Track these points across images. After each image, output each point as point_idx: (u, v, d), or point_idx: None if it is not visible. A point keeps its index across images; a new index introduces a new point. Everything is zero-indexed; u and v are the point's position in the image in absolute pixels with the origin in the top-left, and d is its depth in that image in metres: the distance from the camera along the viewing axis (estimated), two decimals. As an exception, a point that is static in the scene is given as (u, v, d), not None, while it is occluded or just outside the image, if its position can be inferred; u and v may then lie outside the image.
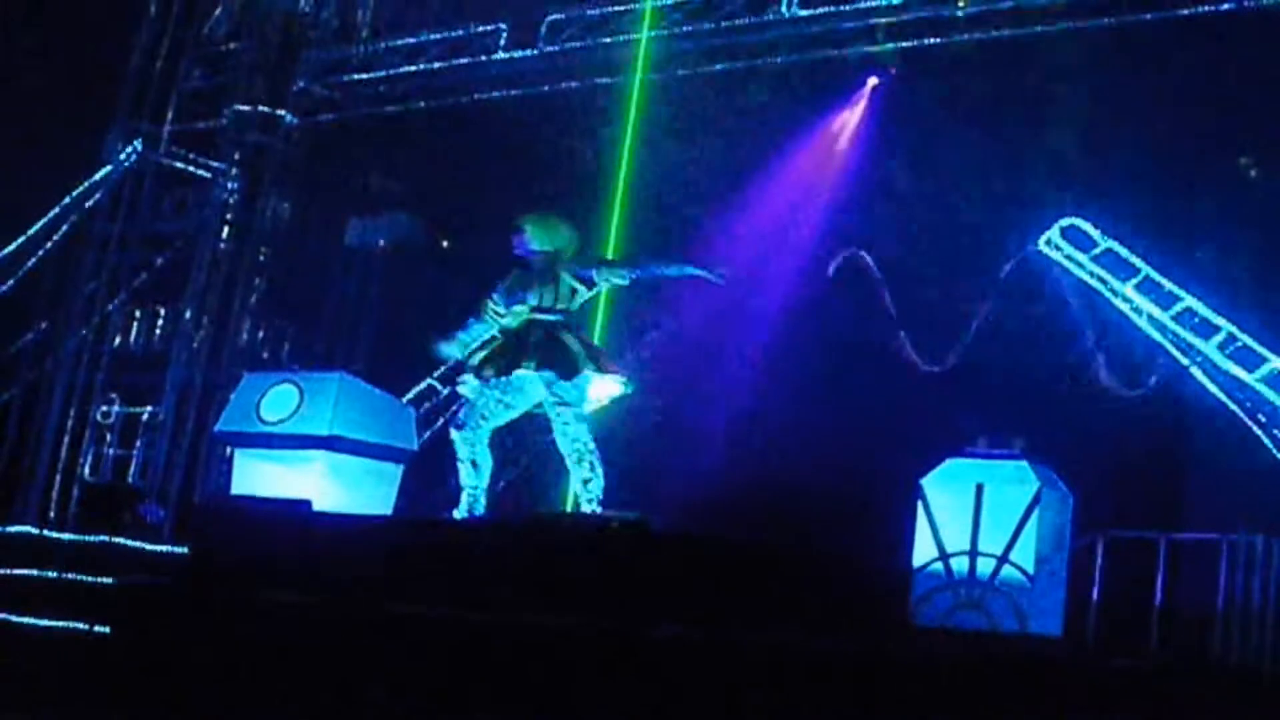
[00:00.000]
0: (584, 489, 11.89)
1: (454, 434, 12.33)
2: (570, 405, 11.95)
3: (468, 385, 12.34)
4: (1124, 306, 16.14)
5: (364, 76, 21.22)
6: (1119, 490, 14.26)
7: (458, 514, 12.19)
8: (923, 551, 11.74)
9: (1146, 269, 16.22)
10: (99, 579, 15.76)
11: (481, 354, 12.38)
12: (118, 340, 21.45)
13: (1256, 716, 8.91)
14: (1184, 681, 9.43)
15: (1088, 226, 16.64)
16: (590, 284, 12.36)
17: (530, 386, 12.10)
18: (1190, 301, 15.83)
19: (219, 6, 22.32)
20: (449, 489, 18.92)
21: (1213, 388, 15.53)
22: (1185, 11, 15.87)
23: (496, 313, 12.41)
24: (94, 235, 21.68)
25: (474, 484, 12.24)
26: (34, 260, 21.62)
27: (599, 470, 11.88)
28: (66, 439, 20.86)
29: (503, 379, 12.10)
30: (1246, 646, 12.47)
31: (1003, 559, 11.44)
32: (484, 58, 20.01)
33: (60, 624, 15.68)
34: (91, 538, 17.33)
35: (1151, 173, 16.36)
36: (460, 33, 20.25)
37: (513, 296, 12.31)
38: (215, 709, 11.01)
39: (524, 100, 20.07)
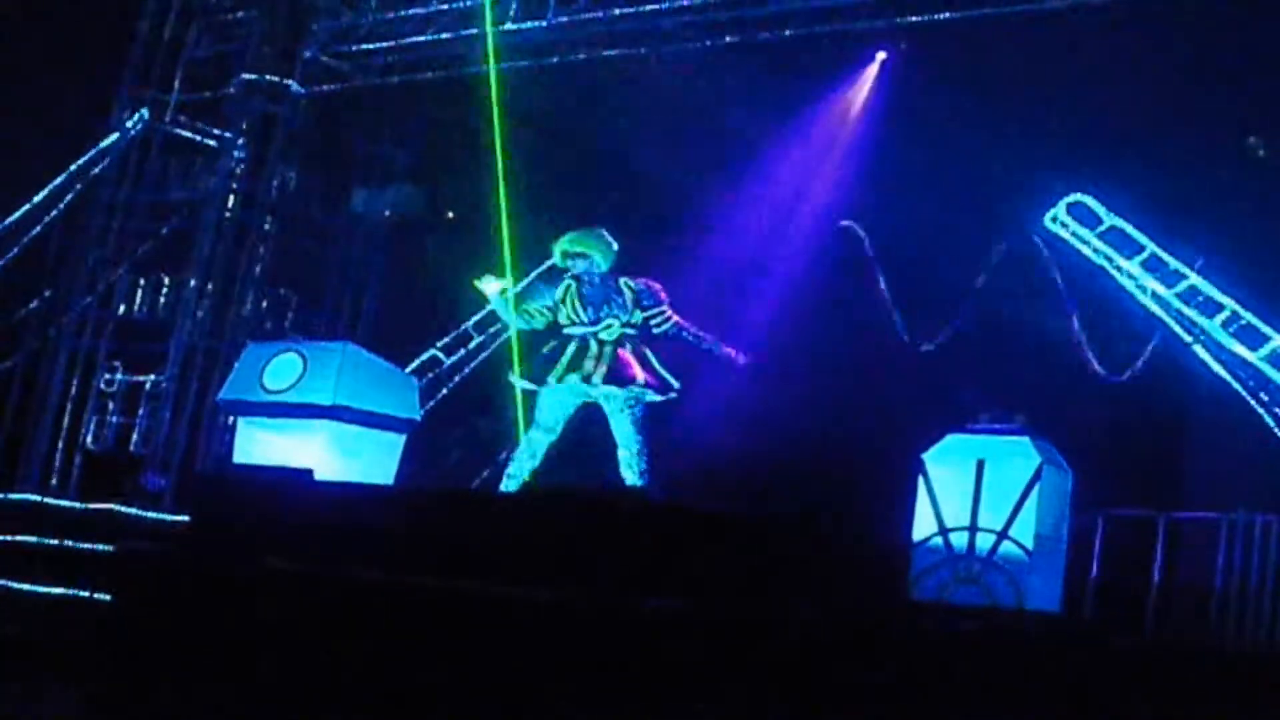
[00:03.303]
0: (636, 476, 12.59)
1: (537, 434, 12.80)
2: (640, 408, 12.70)
3: (571, 389, 12.76)
4: (1128, 283, 16.13)
5: (372, 46, 21.12)
6: (1119, 468, 14.25)
7: (510, 487, 12.71)
8: (923, 526, 11.77)
9: (1152, 246, 16.20)
10: (100, 546, 15.81)
11: (583, 362, 12.80)
12: (122, 308, 21.42)
13: (1253, 694, 8.90)
14: (1181, 659, 9.43)
15: (1094, 203, 16.60)
16: (646, 311, 12.85)
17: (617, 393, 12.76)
18: (1194, 279, 15.81)
19: (228, -26, 22.28)
20: (451, 460, 19.04)
21: (1215, 366, 15.52)
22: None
23: (558, 319, 12.98)
24: (100, 203, 21.63)
25: (521, 471, 12.66)
26: (39, 227, 21.56)
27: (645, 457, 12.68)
28: (69, 406, 20.86)
29: (594, 387, 12.66)
30: (1244, 625, 12.49)
31: (1002, 535, 11.47)
32: (493, 28, 19.92)
33: (61, 591, 15.75)
34: (93, 505, 17.37)
35: (1159, 151, 16.32)
36: (469, 3, 20.15)
37: (594, 310, 12.75)
38: (215, 676, 11.02)
39: (532, 71, 20.00)
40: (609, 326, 12.73)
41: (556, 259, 13.11)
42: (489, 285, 13.23)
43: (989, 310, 17.04)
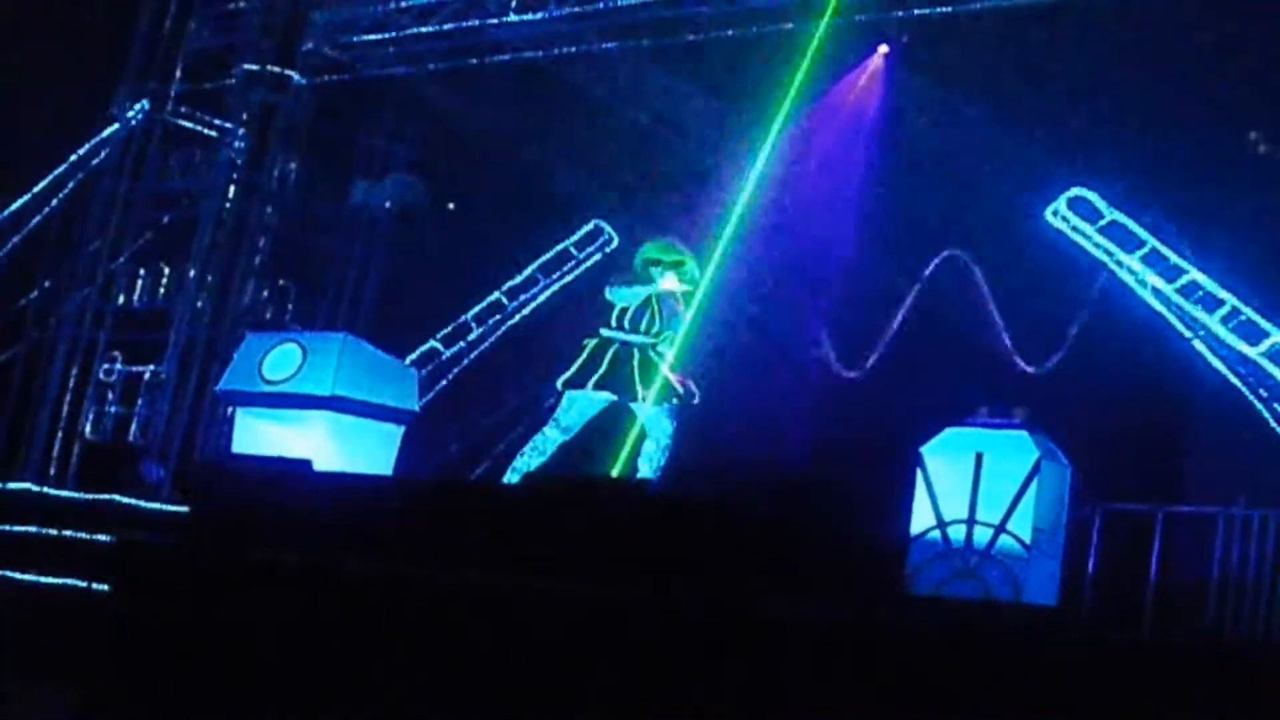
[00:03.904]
0: (652, 470, 12.61)
1: (554, 433, 12.82)
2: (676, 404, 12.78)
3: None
4: (1128, 278, 16.13)
5: (373, 38, 21.13)
6: (1118, 462, 14.25)
7: (512, 478, 12.79)
8: (920, 519, 11.76)
9: (1152, 241, 16.20)
10: (99, 537, 15.80)
11: (627, 373, 12.78)
12: (121, 298, 21.44)
13: (1250, 690, 8.89)
14: (1178, 653, 9.41)
15: (1095, 198, 16.60)
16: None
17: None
18: (1195, 275, 15.80)
19: (229, -35, 22.25)
20: (449, 452, 19.05)
21: (1215, 361, 15.52)
22: (1197, -17, 15.83)
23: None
24: (100, 194, 21.65)
25: (527, 465, 12.75)
26: (39, 218, 21.60)
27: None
28: (69, 396, 20.87)
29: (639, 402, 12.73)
30: (1241, 619, 12.49)
31: (1000, 529, 11.46)
32: (494, 21, 19.91)
33: (60, 581, 15.74)
34: (92, 496, 17.36)
35: (1161, 145, 16.32)
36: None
37: (661, 322, 12.87)
38: (213, 667, 11.02)
39: (533, 64, 20.01)
40: (667, 339, 12.76)
41: (638, 267, 13.00)
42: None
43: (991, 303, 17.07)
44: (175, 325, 20.54)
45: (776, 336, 18.11)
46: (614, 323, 12.74)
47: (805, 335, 17.95)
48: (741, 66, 18.70)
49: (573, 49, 19.56)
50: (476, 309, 20.60)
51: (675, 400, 12.68)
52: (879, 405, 16.55)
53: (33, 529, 16.65)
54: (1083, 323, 16.42)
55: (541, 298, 20.89)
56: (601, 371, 12.63)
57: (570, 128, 20.12)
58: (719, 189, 18.96)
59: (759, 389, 17.44)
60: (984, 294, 17.11)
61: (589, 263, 20.54)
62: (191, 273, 20.74)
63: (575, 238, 20.70)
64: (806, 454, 16.74)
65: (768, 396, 17.40)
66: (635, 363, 12.62)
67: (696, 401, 12.84)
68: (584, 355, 12.79)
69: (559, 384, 12.92)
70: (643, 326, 12.70)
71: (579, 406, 12.78)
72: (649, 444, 12.63)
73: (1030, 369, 16.42)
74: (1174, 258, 15.98)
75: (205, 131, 21.80)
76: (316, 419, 13.19)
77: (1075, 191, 16.67)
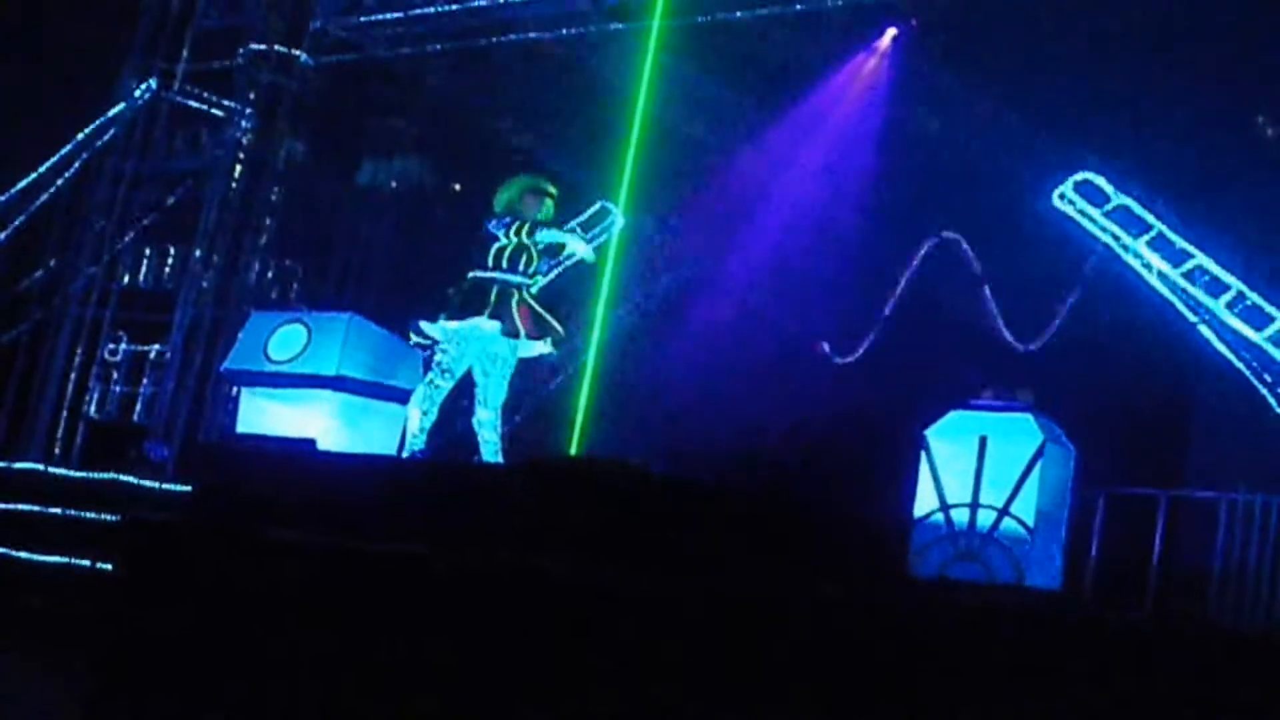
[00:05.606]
0: (492, 444, 12.44)
1: (442, 380, 12.53)
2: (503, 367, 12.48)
3: (470, 332, 12.57)
4: (1134, 262, 16.10)
5: (380, 18, 21.10)
6: (1122, 446, 14.26)
7: (406, 453, 12.54)
8: (924, 502, 11.78)
9: (1159, 225, 16.16)
10: (103, 516, 15.84)
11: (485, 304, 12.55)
12: (127, 278, 21.46)
13: (1250, 674, 8.90)
14: (1180, 638, 9.42)
15: (1101, 181, 16.56)
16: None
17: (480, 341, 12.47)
18: (1201, 259, 15.76)
19: (237, -56, 22.23)
20: (453, 432, 19.03)
21: (1220, 346, 15.49)
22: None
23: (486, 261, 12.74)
24: (106, 173, 21.65)
25: (423, 429, 12.50)
26: (45, 196, 21.58)
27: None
28: (74, 376, 20.89)
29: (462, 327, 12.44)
30: (1242, 604, 12.50)
31: (1003, 511, 11.48)
32: (501, 1, 19.90)
33: (64, 560, 15.77)
34: (96, 475, 17.37)
35: (1168, 130, 16.29)
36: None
37: (538, 261, 12.78)
38: (217, 646, 11.03)
39: (540, 43, 20.00)
40: (536, 281, 12.65)
41: (514, 195, 12.88)
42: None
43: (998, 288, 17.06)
44: (180, 305, 20.55)
45: (778, 320, 18.10)
46: (489, 263, 12.59)
47: (806, 319, 17.92)
48: (750, 51, 18.71)
49: (580, 30, 19.54)
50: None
51: (555, 344, 12.58)
52: (882, 388, 16.54)
53: (37, 508, 16.67)
54: (1087, 306, 16.39)
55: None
56: (489, 308, 12.44)
57: (575, 109, 20.10)
58: (723, 175, 19.00)
59: (762, 373, 17.44)
60: (985, 277, 17.08)
61: (595, 243, 20.51)
62: (197, 252, 20.74)
63: (581, 218, 20.66)
64: (809, 437, 16.73)
65: (770, 380, 17.40)
66: (514, 302, 12.46)
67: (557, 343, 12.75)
68: (461, 294, 12.63)
69: (438, 323, 12.72)
70: (520, 266, 12.60)
71: (455, 345, 12.55)
72: (485, 414, 12.42)
73: (1031, 349, 16.41)
74: (1180, 242, 15.94)
75: (212, 111, 21.76)
76: (321, 399, 13.22)
77: (1082, 175, 16.62)
